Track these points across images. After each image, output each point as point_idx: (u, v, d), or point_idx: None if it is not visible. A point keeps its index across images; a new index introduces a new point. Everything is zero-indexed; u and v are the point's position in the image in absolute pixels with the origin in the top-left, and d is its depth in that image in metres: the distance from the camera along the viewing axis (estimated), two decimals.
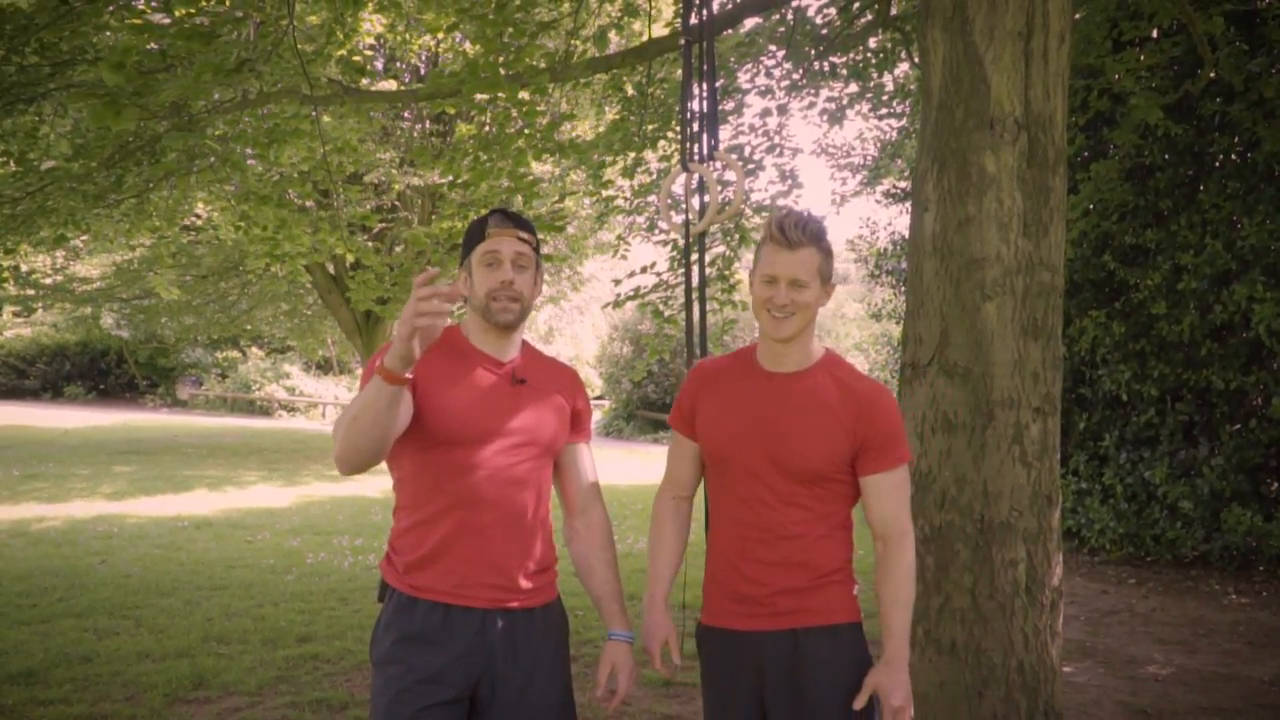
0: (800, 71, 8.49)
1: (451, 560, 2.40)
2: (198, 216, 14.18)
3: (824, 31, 8.01)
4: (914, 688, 3.29)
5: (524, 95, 6.30)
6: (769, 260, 2.37)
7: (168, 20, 4.96)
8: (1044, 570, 3.27)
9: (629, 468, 17.39)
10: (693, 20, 4.17)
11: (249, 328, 27.11)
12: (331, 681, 5.45)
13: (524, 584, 2.46)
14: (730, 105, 8.62)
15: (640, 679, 5.52)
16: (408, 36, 10.68)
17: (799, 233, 2.34)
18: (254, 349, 36.13)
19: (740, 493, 2.47)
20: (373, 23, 8.92)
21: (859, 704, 2.36)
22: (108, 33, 6.27)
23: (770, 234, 2.38)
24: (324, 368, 37.60)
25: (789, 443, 2.40)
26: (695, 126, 4.03)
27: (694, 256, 3.88)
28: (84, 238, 8.97)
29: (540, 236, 2.92)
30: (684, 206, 4.01)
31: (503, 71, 5.89)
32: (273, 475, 16.68)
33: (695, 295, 3.84)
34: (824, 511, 2.44)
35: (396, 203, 17.69)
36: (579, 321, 43.40)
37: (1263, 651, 6.36)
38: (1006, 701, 3.19)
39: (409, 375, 2.16)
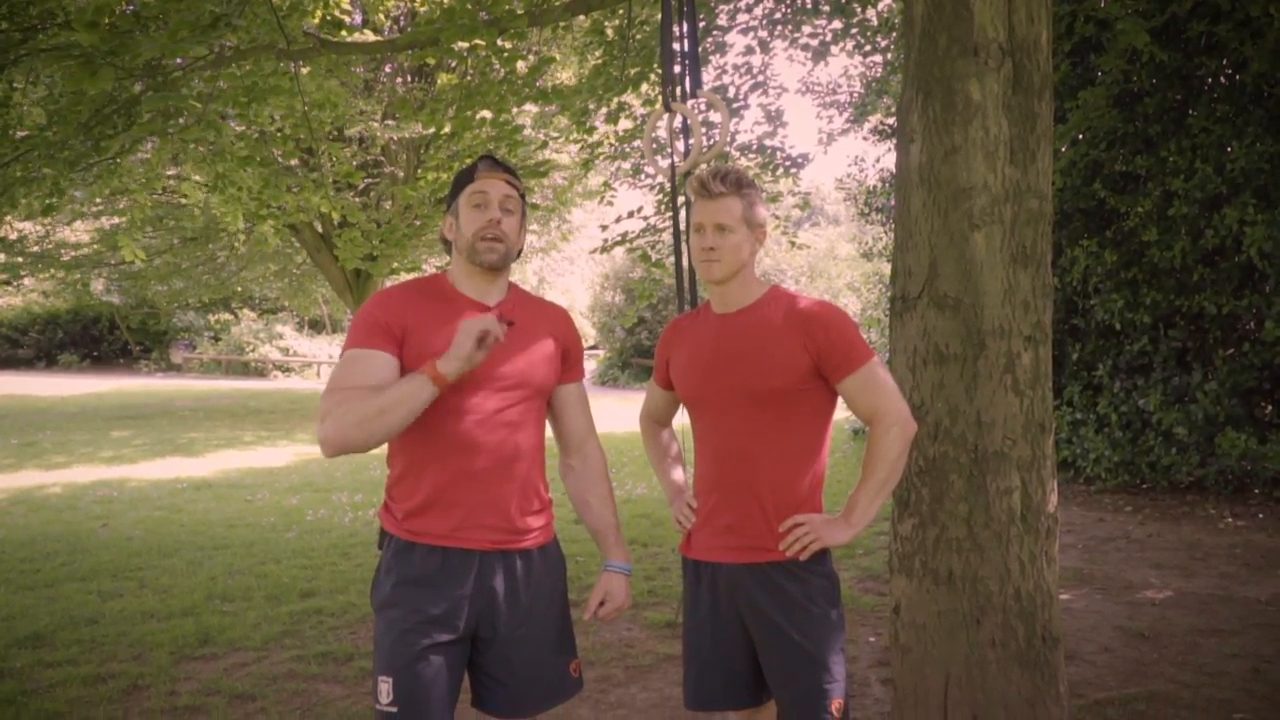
0: (783, 8, 8.39)
1: (447, 505, 2.41)
2: (170, 179, 13.84)
3: None
4: (912, 618, 3.35)
5: (503, 43, 6.22)
6: (696, 212, 2.60)
7: None
8: (1039, 497, 3.28)
9: (625, 416, 17.39)
10: None
11: (239, 289, 26.97)
12: (336, 635, 5.50)
13: (520, 526, 2.48)
14: (712, 45, 8.53)
15: (643, 621, 5.58)
16: None
17: (718, 183, 2.55)
18: (246, 311, 36.04)
19: (710, 423, 2.65)
20: None
21: (783, 544, 2.54)
22: None
23: (694, 189, 2.60)
24: (317, 327, 37.54)
25: (747, 366, 2.56)
26: (677, 67, 3.98)
27: (680, 199, 3.85)
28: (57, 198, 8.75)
29: (527, 183, 2.94)
30: (669, 150, 3.96)
31: (481, 17, 5.80)
32: (270, 435, 16.70)
33: (684, 238, 3.83)
34: (789, 429, 2.57)
35: (381, 157, 17.53)
36: (570, 272, 43.29)
37: (1259, 572, 6.43)
38: (1004, 628, 3.21)
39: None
